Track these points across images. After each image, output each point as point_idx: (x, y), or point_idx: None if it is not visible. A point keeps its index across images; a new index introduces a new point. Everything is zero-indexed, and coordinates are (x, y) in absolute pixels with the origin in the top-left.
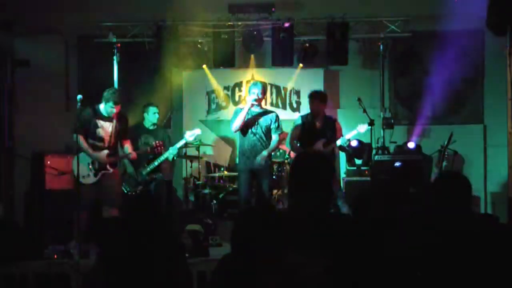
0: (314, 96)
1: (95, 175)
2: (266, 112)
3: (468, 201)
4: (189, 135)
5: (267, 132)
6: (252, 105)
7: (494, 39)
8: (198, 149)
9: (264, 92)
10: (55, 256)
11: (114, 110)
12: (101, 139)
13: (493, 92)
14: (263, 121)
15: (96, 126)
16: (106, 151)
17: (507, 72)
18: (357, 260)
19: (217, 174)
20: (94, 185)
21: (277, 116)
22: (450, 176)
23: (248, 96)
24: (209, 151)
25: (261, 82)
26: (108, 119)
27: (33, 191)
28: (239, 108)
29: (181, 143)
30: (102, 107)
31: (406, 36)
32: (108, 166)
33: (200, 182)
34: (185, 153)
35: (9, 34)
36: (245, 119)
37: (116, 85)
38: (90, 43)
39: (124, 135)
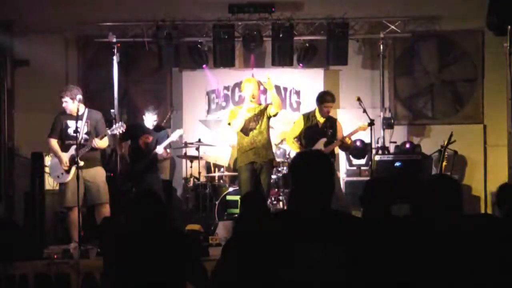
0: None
1: (67, 171)
2: (263, 107)
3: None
4: (174, 135)
5: (267, 125)
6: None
7: (494, 39)
8: (198, 149)
9: (258, 88)
10: (55, 256)
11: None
12: (74, 138)
13: (493, 92)
14: (262, 115)
15: (67, 127)
16: (73, 147)
17: (507, 72)
18: (368, 256)
19: (217, 174)
20: (72, 183)
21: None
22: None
23: (243, 92)
24: (209, 151)
25: (254, 79)
26: (75, 117)
27: (33, 191)
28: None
29: (166, 142)
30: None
31: (406, 36)
32: (77, 160)
33: (200, 182)
34: (185, 153)
35: (9, 34)
36: (245, 117)
37: (116, 85)
38: (90, 43)
39: (98, 130)
